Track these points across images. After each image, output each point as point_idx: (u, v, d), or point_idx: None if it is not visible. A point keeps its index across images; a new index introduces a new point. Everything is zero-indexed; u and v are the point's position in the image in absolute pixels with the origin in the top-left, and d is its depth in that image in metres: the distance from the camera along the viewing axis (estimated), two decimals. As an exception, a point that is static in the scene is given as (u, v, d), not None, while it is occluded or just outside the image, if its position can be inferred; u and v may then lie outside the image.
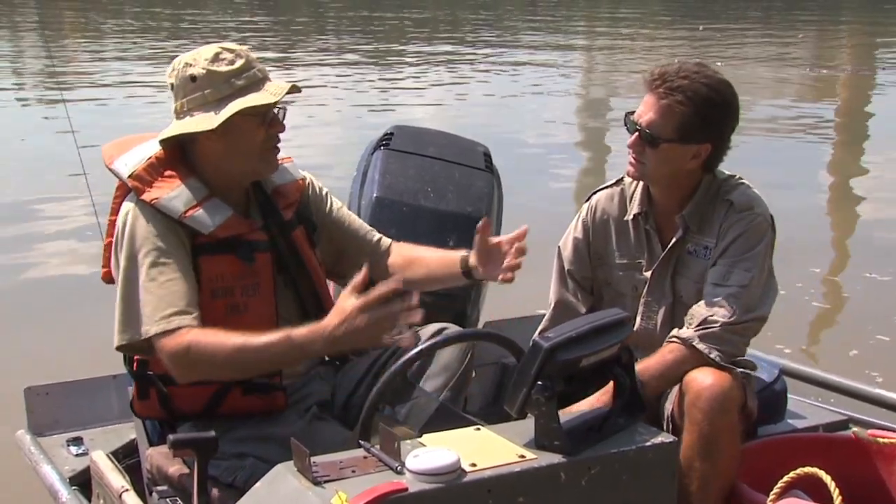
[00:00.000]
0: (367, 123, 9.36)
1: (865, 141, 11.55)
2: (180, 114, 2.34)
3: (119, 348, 2.29)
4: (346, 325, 2.09)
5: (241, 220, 2.36)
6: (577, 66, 17.53)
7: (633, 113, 2.59)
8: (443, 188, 3.14)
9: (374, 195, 3.09)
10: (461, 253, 2.50)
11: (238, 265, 2.33)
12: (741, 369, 2.52)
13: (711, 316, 2.48)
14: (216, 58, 2.32)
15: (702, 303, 2.52)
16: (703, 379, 2.38)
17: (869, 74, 16.57)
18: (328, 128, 9.33)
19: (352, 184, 3.22)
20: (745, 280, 2.51)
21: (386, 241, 2.64)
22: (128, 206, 2.33)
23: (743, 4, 29.69)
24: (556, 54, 18.13)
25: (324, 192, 2.61)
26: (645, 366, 2.47)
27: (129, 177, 2.31)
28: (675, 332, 2.53)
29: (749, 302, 2.50)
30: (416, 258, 2.59)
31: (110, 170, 2.39)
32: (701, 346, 2.46)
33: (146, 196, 2.29)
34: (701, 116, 2.51)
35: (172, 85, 2.36)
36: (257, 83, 2.33)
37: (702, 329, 2.48)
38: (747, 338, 2.55)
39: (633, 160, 2.59)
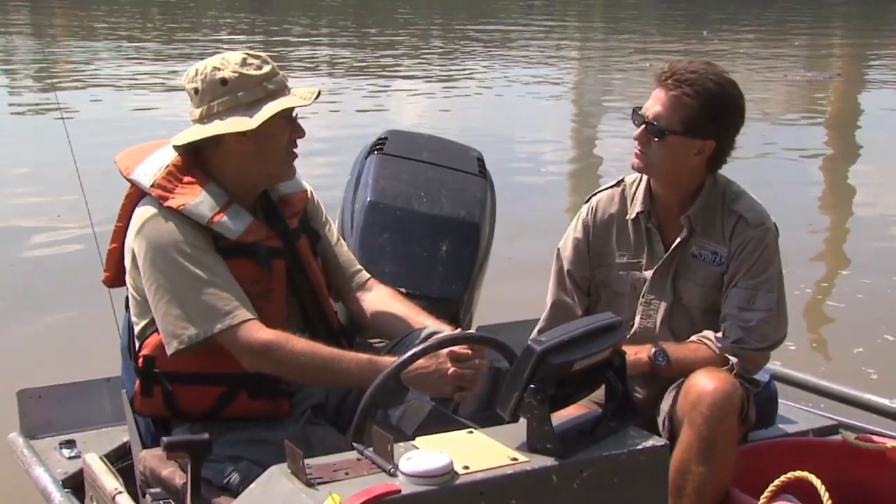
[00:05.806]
0: (360, 128, 9.36)
1: (865, 143, 11.55)
2: (207, 117, 2.34)
3: (175, 353, 2.28)
4: (435, 366, 2.21)
5: (261, 226, 2.39)
6: (572, 72, 17.54)
7: (640, 108, 2.64)
8: (436, 193, 3.15)
9: (368, 199, 3.09)
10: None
11: (256, 270, 2.35)
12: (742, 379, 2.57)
13: (747, 337, 2.57)
14: (244, 62, 2.36)
15: (734, 323, 2.59)
16: (706, 384, 2.42)
17: (842, 79, 16.59)
18: (322, 132, 9.32)
19: (345, 188, 3.23)
20: (773, 303, 2.59)
21: (364, 276, 2.64)
22: (147, 213, 2.32)
23: (745, 10, 29.70)
24: (551, 62, 18.13)
25: (322, 210, 2.64)
26: (679, 354, 2.56)
27: (152, 186, 2.32)
28: (708, 335, 2.60)
29: (777, 324, 2.61)
30: (406, 318, 2.55)
31: (129, 180, 2.40)
32: (733, 361, 2.56)
33: (172, 203, 2.30)
34: (707, 111, 2.56)
35: (196, 90, 2.35)
36: (284, 88, 2.39)
37: (738, 346, 2.57)
38: (768, 357, 2.67)
39: (638, 152, 2.63)
